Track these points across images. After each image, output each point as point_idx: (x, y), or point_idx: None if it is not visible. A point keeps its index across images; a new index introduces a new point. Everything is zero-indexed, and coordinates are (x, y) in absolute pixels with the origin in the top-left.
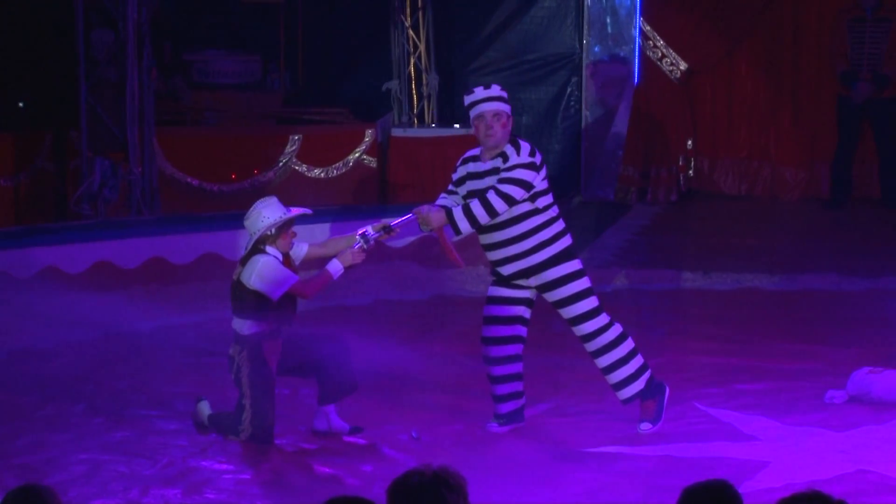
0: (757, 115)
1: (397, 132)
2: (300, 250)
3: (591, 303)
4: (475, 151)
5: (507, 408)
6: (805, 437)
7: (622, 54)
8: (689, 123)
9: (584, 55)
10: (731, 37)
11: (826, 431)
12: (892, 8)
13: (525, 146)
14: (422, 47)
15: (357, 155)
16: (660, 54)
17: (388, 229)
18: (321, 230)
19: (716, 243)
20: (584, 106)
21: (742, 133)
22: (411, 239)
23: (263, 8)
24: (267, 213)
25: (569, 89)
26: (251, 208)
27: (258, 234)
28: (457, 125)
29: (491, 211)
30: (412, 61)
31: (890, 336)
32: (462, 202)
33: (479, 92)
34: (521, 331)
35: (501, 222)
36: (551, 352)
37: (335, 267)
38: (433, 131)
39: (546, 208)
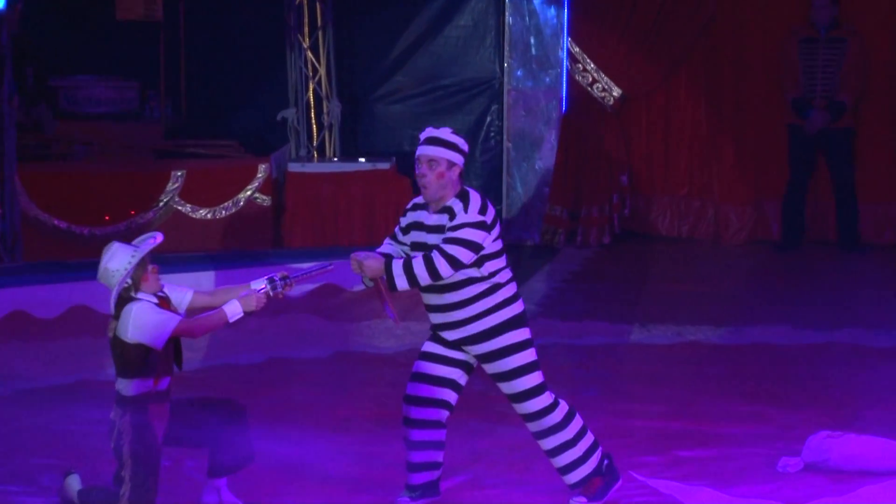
0: (698, 147)
1: (294, 167)
2: (183, 298)
3: (535, 378)
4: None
5: (420, 478)
6: None
7: (548, 79)
8: (624, 157)
9: (506, 80)
10: (669, 60)
11: None
12: (848, 27)
13: (475, 202)
14: (322, 71)
15: (248, 193)
16: (590, 79)
17: (301, 277)
18: (206, 278)
19: (654, 291)
20: (505, 137)
21: (682, 168)
22: (312, 287)
23: (141, 27)
24: (113, 266)
25: (488, 119)
26: (99, 266)
27: (116, 290)
28: (362, 159)
29: (434, 273)
30: (311, 87)
31: (850, 395)
32: (405, 254)
33: (425, 132)
34: (451, 397)
35: (439, 286)
36: (470, 415)
37: (233, 309)
38: (335, 166)
39: (492, 274)
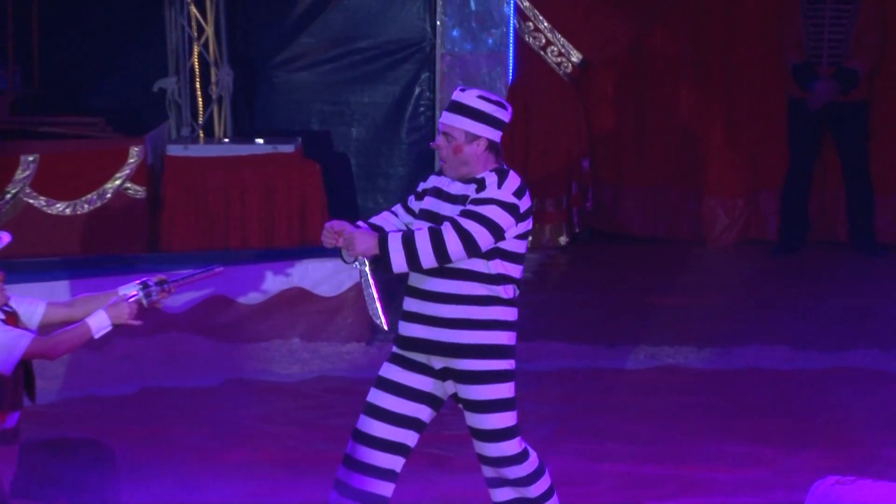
0: (678, 126)
1: (175, 150)
2: (34, 311)
3: (508, 419)
4: None
5: None
6: None
7: (491, 41)
8: (585, 137)
9: (438, 42)
10: (641, 17)
11: None
12: None
13: (513, 182)
14: (209, 31)
15: (117, 183)
16: (543, 41)
17: (182, 282)
18: (63, 288)
19: (623, 304)
20: (438, 113)
21: (657, 151)
22: (195, 297)
23: None
24: None
25: (417, 90)
26: None
27: None
28: (259, 140)
29: (441, 251)
30: (196, 51)
31: (864, 431)
32: (405, 227)
33: (453, 94)
34: (412, 440)
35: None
36: None
37: (99, 322)
38: (226, 149)
39: (500, 278)
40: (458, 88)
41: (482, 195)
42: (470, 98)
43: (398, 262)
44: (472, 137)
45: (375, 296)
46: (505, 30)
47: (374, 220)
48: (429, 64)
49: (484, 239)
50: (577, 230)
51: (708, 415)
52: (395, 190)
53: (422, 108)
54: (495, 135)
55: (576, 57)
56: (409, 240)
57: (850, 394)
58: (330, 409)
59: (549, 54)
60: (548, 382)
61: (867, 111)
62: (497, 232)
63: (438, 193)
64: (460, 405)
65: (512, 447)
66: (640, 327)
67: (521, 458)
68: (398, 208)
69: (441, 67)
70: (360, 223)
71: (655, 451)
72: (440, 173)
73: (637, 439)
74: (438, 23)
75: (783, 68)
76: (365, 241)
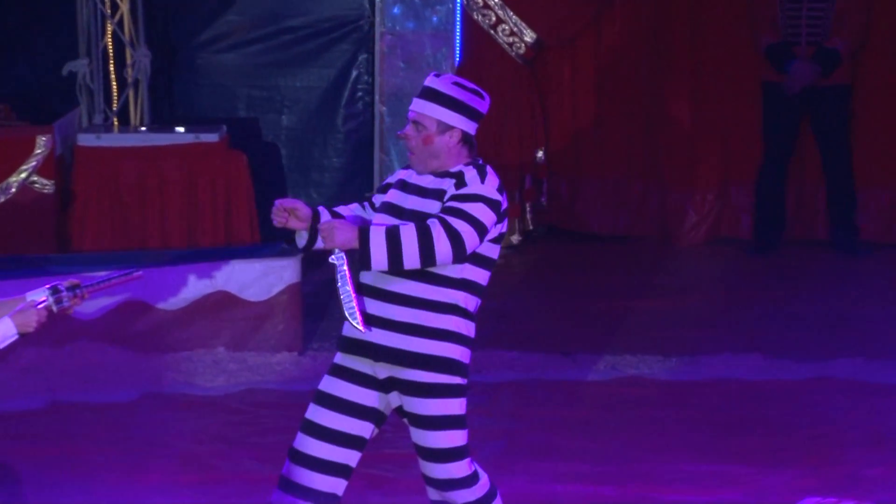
0: (641, 112)
1: (86, 140)
2: None
3: (458, 438)
4: None
5: None
6: None
7: (436, 19)
8: (540, 125)
9: (378, 20)
10: None
11: None
12: None
13: (493, 178)
14: (124, 8)
15: (23, 176)
16: (494, 19)
17: (96, 287)
18: None
19: (581, 309)
20: (377, 98)
21: (618, 140)
22: (110, 303)
23: None
24: None
25: (354, 73)
26: None
27: None
28: (180, 128)
29: (428, 251)
30: (109, 30)
31: (846, 448)
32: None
33: (426, 79)
34: (354, 460)
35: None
36: None
37: (4, 330)
38: (143, 138)
39: (464, 285)
40: (432, 74)
41: (465, 191)
42: (444, 84)
43: (378, 259)
44: (445, 128)
45: (352, 293)
46: (451, 6)
47: (339, 208)
48: (367, 44)
49: (471, 240)
50: (530, 227)
51: (675, 431)
52: (329, 183)
53: (359, 94)
54: (470, 126)
55: (529, 36)
56: (393, 236)
57: (832, 407)
58: (259, 425)
59: (500, 33)
60: (498, 395)
61: (849, 96)
62: (483, 232)
63: (404, 186)
64: (405, 420)
65: (460, 469)
66: (600, 334)
67: (470, 480)
68: (367, 204)
69: (381, 48)
70: (320, 208)
71: (618, 470)
72: (408, 167)
73: (597, 458)
74: None
75: (756, 49)
76: (345, 233)
